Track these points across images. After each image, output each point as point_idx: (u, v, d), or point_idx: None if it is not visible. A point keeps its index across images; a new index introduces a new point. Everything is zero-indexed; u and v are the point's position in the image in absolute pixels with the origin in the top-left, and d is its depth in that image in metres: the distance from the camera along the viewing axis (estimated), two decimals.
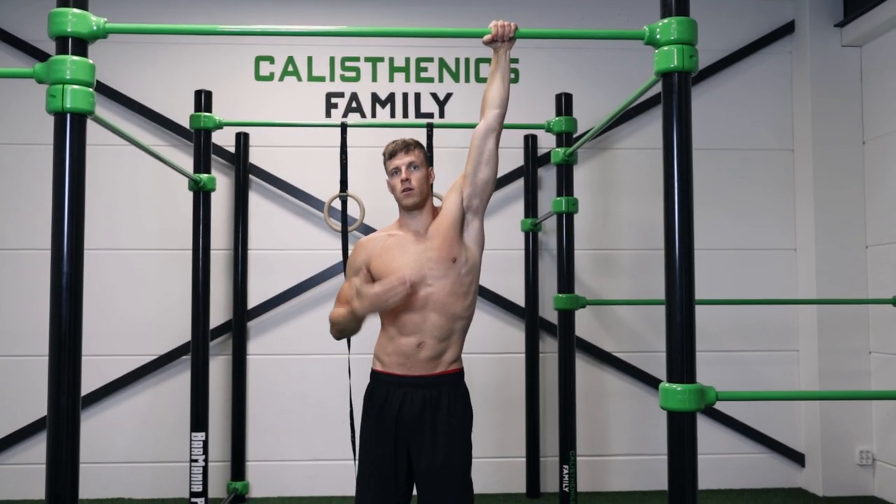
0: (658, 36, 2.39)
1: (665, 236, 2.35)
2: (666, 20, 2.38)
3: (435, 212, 2.82)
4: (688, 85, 2.38)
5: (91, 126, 2.43)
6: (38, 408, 4.78)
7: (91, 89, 2.35)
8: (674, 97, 2.37)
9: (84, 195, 2.37)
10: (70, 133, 2.32)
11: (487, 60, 5.14)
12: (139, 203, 5.01)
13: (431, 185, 2.86)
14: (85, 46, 2.39)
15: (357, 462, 2.80)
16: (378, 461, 2.70)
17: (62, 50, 2.34)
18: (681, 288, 2.31)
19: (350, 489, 4.74)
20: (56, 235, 2.31)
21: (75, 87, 2.30)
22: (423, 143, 3.07)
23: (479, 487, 4.90)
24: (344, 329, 2.77)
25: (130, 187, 5.00)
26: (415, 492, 2.77)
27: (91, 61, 2.37)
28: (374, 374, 2.79)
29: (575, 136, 4.28)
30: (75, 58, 2.32)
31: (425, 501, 2.70)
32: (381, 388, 2.74)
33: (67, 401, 2.29)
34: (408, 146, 2.77)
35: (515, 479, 5.01)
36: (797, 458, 5.14)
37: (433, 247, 2.71)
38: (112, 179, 4.97)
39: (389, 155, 2.78)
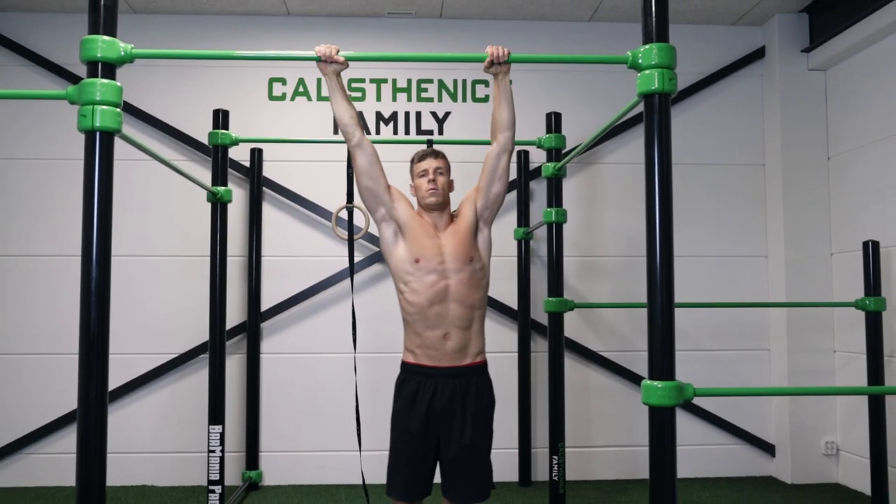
0: (640, 60, 2.40)
1: (647, 245, 2.35)
2: (647, 46, 2.39)
3: (451, 216, 2.87)
4: (668, 105, 2.38)
5: (123, 143, 2.43)
6: (67, 402, 4.79)
7: (119, 109, 2.35)
8: (655, 117, 2.37)
9: (111, 207, 2.37)
10: (99, 150, 2.32)
11: (483, 82, 5.16)
12: (164, 213, 5.01)
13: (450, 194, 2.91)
14: (113, 70, 2.39)
15: (389, 446, 2.80)
16: (411, 443, 2.70)
17: (92, 73, 2.35)
18: (661, 292, 2.31)
19: (356, 478, 4.75)
20: (86, 244, 2.31)
21: (104, 107, 2.30)
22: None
23: None
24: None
25: (159, 198, 5.01)
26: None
27: (119, 84, 2.37)
28: (406, 366, 2.79)
29: (564, 151, 4.28)
30: (104, 81, 2.33)
31: (453, 481, 2.71)
32: (413, 378, 2.74)
33: (96, 396, 2.29)
34: (437, 153, 2.87)
35: (509, 469, 5.00)
36: (768, 448, 5.14)
37: (452, 244, 2.75)
38: (142, 191, 4.98)
39: (419, 158, 2.85)
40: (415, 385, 2.72)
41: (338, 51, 2.68)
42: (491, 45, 2.73)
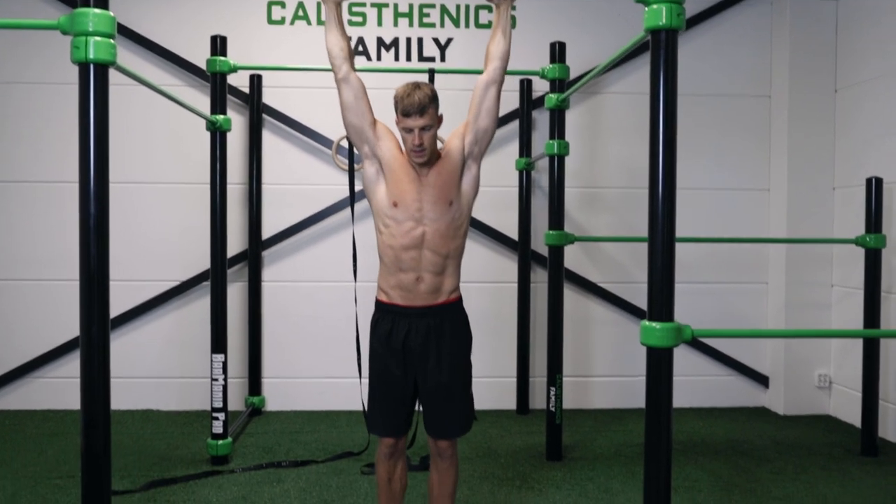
0: None
1: (650, 187, 2.28)
2: None
3: (438, 154, 2.73)
4: (675, 41, 2.29)
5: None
6: (71, 327, 4.81)
7: (112, 41, 2.27)
8: (661, 53, 2.28)
9: (108, 141, 2.31)
10: (94, 82, 2.25)
11: (486, 7, 5.01)
12: (167, 138, 4.95)
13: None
14: None
15: (367, 382, 2.79)
16: (388, 382, 2.70)
17: (84, 2, 2.26)
18: (662, 234, 2.27)
19: (356, 404, 4.81)
20: (83, 178, 2.27)
21: (98, 38, 2.22)
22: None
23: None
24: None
25: (162, 124, 4.95)
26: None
27: (112, 14, 2.29)
28: (379, 305, 2.75)
29: (567, 81, 4.19)
30: (97, 10, 2.24)
31: (431, 415, 2.72)
32: (387, 317, 2.71)
33: (97, 330, 2.28)
34: (423, 108, 2.57)
35: (506, 397, 5.08)
36: (762, 380, 5.20)
37: (432, 188, 2.65)
38: (144, 116, 4.94)
39: (403, 113, 2.58)
40: (388, 324, 2.69)
41: None
42: None
